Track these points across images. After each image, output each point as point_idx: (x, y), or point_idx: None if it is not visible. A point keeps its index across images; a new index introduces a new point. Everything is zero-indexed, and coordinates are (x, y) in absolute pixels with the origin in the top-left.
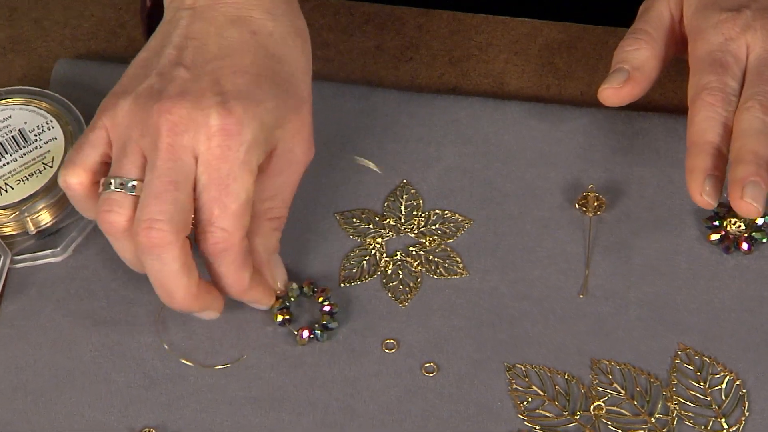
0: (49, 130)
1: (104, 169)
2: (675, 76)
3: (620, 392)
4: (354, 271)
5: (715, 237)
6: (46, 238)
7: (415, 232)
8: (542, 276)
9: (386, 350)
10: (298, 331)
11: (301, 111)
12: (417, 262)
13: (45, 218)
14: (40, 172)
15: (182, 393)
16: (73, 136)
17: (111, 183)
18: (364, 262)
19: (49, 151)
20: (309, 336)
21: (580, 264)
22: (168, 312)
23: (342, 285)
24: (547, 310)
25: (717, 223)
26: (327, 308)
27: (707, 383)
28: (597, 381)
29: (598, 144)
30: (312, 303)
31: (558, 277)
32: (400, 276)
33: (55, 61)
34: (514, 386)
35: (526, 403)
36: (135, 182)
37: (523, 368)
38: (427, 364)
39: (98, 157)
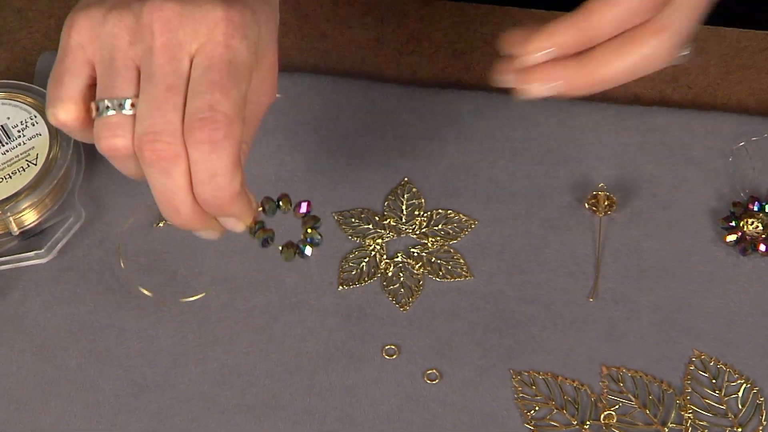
0: (33, 125)
1: (92, 92)
2: (689, 69)
3: (632, 401)
4: (353, 273)
5: (732, 238)
6: (30, 238)
7: (417, 232)
8: (550, 279)
9: (387, 356)
10: (282, 248)
11: (275, 48)
12: (419, 264)
13: (29, 218)
14: (24, 169)
15: (173, 401)
16: (58, 133)
17: (107, 106)
18: (364, 264)
19: (33, 147)
20: (295, 253)
21: (589, 266)
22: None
23: (340, 288)
24: (556, 315)
25: (733, 223)
26: (310, 222)
27: (723, 391)
28: (607, 389)
29: (609, 140)
30: (290, 220)
31: (567, 280)
32: (401, 279)
33: (40, 54)
34: (521, 394)
35: (533, 411)
36: (131, 100)
37: (530, 375)
38: (430, 371)
39: (83, 83)
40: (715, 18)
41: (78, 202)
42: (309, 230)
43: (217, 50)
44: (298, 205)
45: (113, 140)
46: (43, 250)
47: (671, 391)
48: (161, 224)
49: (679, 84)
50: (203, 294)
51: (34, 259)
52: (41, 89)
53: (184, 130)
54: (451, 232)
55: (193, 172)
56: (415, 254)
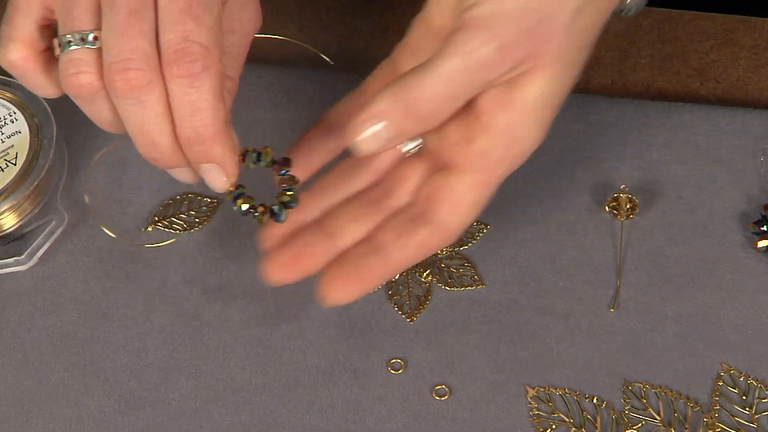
0: (13, 122)
1: (47, 33)
2: (718, 62)
3: (656, 418)
4: None
5: (763, 244)
6: (9, 244)
7: None
8: (567, 287)
9: (392, 371)
10: (258, 212)
11: None
12: (426, 272)
13: (8, 222)
14: (2, 170)
15: (162, 419)
16: (39, 130)
17: (69, 41)
18: None
19: (12, 146)
20: (268, 216)
21: (610, 274)
22: None
23: None
24: (573, 326)
25: (765, 228)
26: (287, 182)
27: (754, 408)
28: (629, 406)
29: (631, 139)
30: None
31: (585, 288)
32: (408, 287)
33: None
34: (536, 411)
35: (549, 430)
36: (95, 32)
37: (546, 391)
38: (438, 387)
39: (35, 23)
40: (745, 7)
41: (61, 205)
42: (286, 193)
43: None
44: (277, 163)
45: (81, 77)
46: (23, 257)
47: (698, 408)
48: (149, 228)
49: (706, 78)
50: (172, 240)
51: (13, 265)
52: (21, 83)
53: (162, 66)
54: (461, 237)
55: (174, 109)
56: (423, 261)
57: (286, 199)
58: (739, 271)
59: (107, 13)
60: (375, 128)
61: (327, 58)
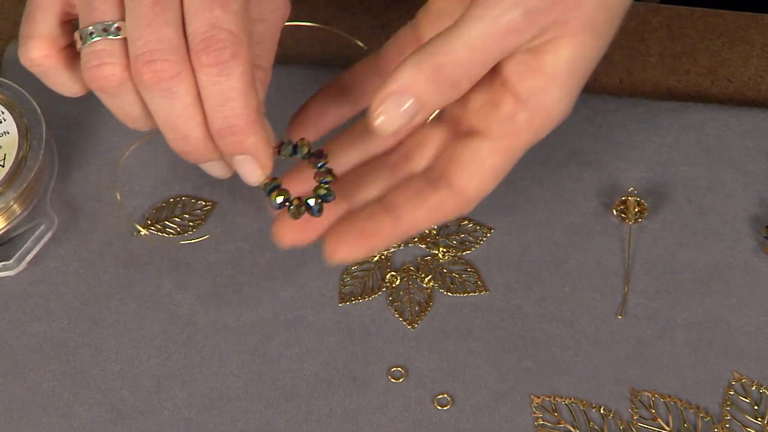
0: (1, 122)
1: (68, 29)
2: (729, 60)
3: (665, 429)
4: (355, 287)
5: None
6: None
7: (426, 241)
8: (574, 293)
9: (393, 379)
10: (293, 204)
11: None
12: (428, 277)
13: None
14: None
15: (155, 429)
16: (28, 130)
17: (91, 32)
18: (368, 276)
19: (0, 147)
20: (303, 210)
21: (617, 279)
22: None
23: (341, 303)
24: (580, 333)
25: None
26: (324, 178)
27: (766, 419)
28: (638, 416)
29: (640, 140)
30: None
31: (592, 294)
32: (409, 293)
33: (9, 43)
34: (542, 421)
35: None
36: (118, 23)
37: (552, 400)
38: (440, 396)
39: (55, 18)
40: (757, 4)
41: (50, 208)
42: (322, 186)
43: None
44: (314, 156)
45: (105, 68)
46: (11, 261)
47: (708, 418)
48: (142, 232)
49: (717, 77)
50: (207, 236)
51: (1, 270)
52: (9, 83)
53: (190, 56)
54: (464, 241)
55: (204, 99)
56: (425, 266)
57: (322, 192)
58: (751, 277)
59: (130, 3)
60: (398, 103)
61: (360, 43)
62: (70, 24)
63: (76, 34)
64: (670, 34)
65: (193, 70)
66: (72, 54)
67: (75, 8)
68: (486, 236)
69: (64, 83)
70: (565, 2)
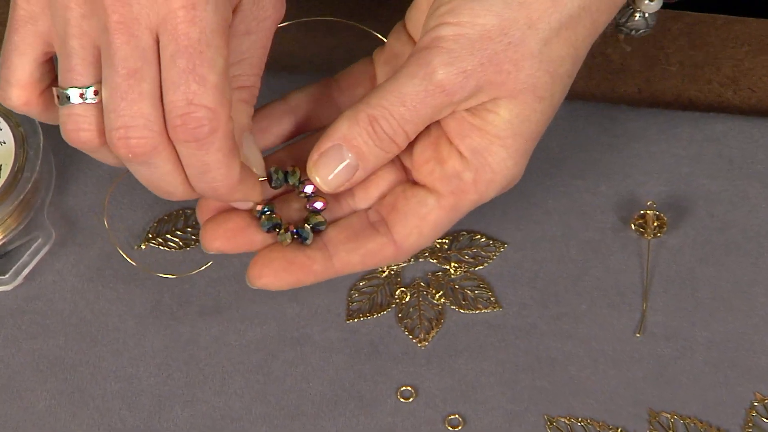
0: None
1: (49, 67)
2: (752, 69)
3: None
4: (363, 303)
5: None
6: None
7: (438, 256)
8: (590, 311)
9: (402, 399)
10: (281, 231)
11: None
12: (439, 293)
13: None
14: None
15: None
16: (25, 140)
17: (68, 96)
18: (376, 292)
19: None
20: (293, 238)
21: (636, 297)
22: None
23: (349, 320)
24: (597, 352)
25: None
26: (316, 204)
27: None
28: None
29: (659, 151)
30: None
31: (610, 312)
32: (419, 310)
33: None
34: None
35: None
36: (95, 87)
37: (567, 422)
38: (452, 417)
39: (34, 62)
40: None
41: (47, 221)
42: (313, 215)
43: (180, 27)
44: (304, 183)
45: (78, 134)
46: (7, 276)
47: None
48: (143, 246)
49: (739, 86)
50: (209, 264)
51: None
52: None
53: (167, 127)
54: (476, 256)
55: (185, 166)
56: (436, 281)
57: (315, 221)
58: None
59: (106, 70)
60: (337, 157)
61: (380, 36)
62: (50, 63)
63: (54, 91)
64: (690, 42)
65: (170, 140)
66: (53, 96)
67: (53, 47)
68: (499, 251)
69: (51, 119)
70: (500, 63)
